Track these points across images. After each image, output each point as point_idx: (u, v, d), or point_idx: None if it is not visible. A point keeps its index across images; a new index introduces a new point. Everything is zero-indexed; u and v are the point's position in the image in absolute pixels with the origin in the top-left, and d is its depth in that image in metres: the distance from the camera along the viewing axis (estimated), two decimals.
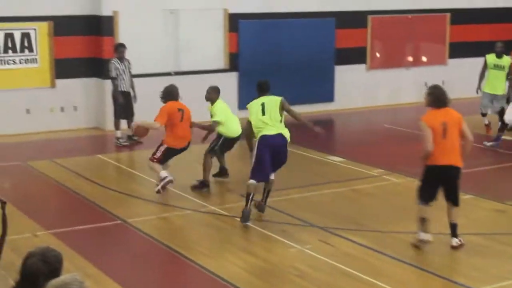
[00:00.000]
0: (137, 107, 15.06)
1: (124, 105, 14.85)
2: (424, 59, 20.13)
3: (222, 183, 12.15)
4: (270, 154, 10.11)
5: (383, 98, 19.57)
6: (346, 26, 18.76)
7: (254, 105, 10.38)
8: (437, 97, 8.93)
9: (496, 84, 15.29)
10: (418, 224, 9.10)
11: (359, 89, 19.23)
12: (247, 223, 9.98)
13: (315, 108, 18.42)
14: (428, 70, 20.16)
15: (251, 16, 17.60)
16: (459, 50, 20.24)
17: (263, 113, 10.20)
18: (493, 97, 15.39)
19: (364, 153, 14.39)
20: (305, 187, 11.97)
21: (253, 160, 10.18)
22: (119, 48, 14.92)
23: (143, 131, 11.68)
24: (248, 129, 10.42)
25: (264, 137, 10.10)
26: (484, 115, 15.82)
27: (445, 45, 20.40)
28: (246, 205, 10.03)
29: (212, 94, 11.84)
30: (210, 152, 11.86)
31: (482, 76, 15.60)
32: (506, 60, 15.34)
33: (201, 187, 11.64)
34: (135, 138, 14.93)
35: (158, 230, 9.90)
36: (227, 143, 11.98)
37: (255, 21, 17.67)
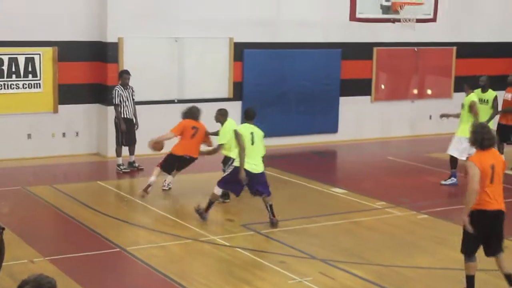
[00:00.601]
0: (139, 134, 15.07)
1: (126, 132, 14.88)
2: (429, 92, 20.14)
3: (222, 212, 12.11)
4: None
5: (387, 130, 19.58)
6: (351, 57, 18.82)
7: (244, 131, 11.30)
8: (482, 137, 8.37)
9: (482, 119, 15.14)
10: (466, 285, 8.46)
11: (363, 120, 19.25)
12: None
13: (319, 139, 18.43)
14: (433, 103, 20.17)
15: (256, 45, 17.67)
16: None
17: (252, 142, 11.25)
18: None
19: (367, 185, 14.36)
20: (306, 218, 11.90)
21: (229, 172, 11.40)
22: (123, 75, 14.98)
23: (159, 146, 13.13)
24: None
25: (247, 170, 11.22)
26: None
27: (451, 79, 20.44)
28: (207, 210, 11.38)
29: (219, 117, 12.75)
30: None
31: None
32: (490, 94, 15.19)
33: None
34: (136, 165, 14.96)
35: (156, 259, 9.85)
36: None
37: (260, 50, 17.73)
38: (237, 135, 11.30)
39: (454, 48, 20.37)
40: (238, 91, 17.52)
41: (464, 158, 13.91)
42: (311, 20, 18.20)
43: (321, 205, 12.82)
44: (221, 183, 11.46)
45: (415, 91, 20.01)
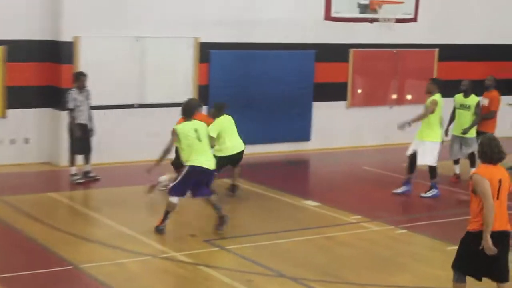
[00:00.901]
0: (95, 142, 15.01)
1: (81, 139, 14.78)
2: (409, 97, 20.29)
3: (184, 226, 12.09)
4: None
5: (364, 138, 19.69)
6: (326, 59, 18.91)
7: (186, 130, 11.56)
8: (492, 151, 8.26)
9: (464, 126, 15.31)
10: None
11: (338, 127, 19.32)
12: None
13: (290, 147, 18.50)
14: (414, 109, 20.20)
15: (223, 46, 17.69)
16: (448, 88, 20.38)
17: (199, 139, 11.58)
18: (462, 141, 15.45)
19: (341, 197, 14.42)
20: (276, 233, 11.91)
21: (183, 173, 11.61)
22: (79, 77, 14.90)
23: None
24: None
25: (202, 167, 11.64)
26: (456, 162, 15.83)
27: None
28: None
29: (215, 112, 13.66)
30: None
31: (452, 118, 15.71)
32: (472, 99, 15.37)
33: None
34: (92, 176, 14.88)
35: (112, 277, 9.80)
36: (221, 161, 13.06)
37: (228, 51, 17.74)
38: (173, 134, 11.55)
39: (436, 50, 20.55)
40: (203, 95, 17.49)
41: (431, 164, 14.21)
42: (283, 19, 18.25)
43: (292, 219, 12.85)
44: (173, 189, 11.53)
45: (394, 96, 20.15)
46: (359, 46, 19.40)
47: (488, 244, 8.02)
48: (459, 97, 15.56)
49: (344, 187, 15.50)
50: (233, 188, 14.07)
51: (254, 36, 18.02)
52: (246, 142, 17.55)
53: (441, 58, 20.60)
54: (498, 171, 8.27)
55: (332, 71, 19.16)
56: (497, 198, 8.16)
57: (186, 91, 17.30)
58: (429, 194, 14.50)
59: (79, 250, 10.87)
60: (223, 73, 17.74)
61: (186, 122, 11.69)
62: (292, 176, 16.60)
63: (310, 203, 13.85)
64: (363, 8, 18.94)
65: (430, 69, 20.50)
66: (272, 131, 18.23)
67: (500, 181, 8.20)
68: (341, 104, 19.36)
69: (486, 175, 8.14)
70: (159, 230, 11.55)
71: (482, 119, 15.53)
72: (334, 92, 19.22)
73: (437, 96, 14.33)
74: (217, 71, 17.67)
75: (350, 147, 19.35)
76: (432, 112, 14.19)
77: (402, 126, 14.29)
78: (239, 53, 17.92)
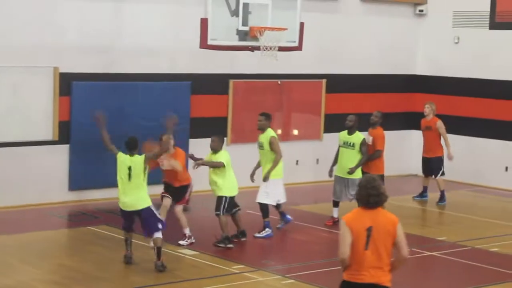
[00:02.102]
0: None
1: None
2: (295, 132, 20.34)
3: None
4: None
5: (247, 178, 19.45)
6: (203, 91, 18.86)
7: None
8: (367, 193, 8.13)
9: (348, 166, 15.44)
10: None
11: None
12: None
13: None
14: (301, 145, 20.41)
15: (87, 76, 17.41)
16: (337, 123, 20.52)
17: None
18: (346, 182, 15.53)
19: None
20: (147, 287, 11.68)
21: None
22: None
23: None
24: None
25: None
26: (336, 204, 15.88)
27: (320, 117, 20.72)
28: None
29: (217, 143, 14.46)
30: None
31: (337, 157, 15.83)
32: (357, 136, 15.57)
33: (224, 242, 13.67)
34: None
35: None
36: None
37: (92, 82, 17.48)
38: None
39: (324, 80, 20.72)
40: (64, 133, 17.10)
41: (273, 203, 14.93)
42: (155, 47, 18.17)
43: (167, 270, 12.51)
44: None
45: (279, 132, 20.11)
46: (240, 77, 19.40)
47: None
48: (343, 134, 15.70)
49: None
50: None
51: (123, 66, 17.79)
52: (114, 185, 17.11)
53: (330, 90, 20.77)
54: (371, 218, 8.11)
55: (211, 105, 19.07)
56: (366, 248, 8.02)
57: (45, 128, 16.81)
58: (263, 234, 14.85)
59: None
60: (88, 107, 17.21)
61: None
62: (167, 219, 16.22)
63: (186, 252, 13.70)
64: (243, 35, 18.80)
65: (317, 101, 20.66)
66: None
67: (369, 230, 8.03)
68: None
69: (352, 223, 8.06)
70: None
71: (367, 159, 15.65)
72: (213, 127, 19.00)
73: (272, 132, 15.01)
74: (81, 105, 17.32)
75: None
76: (278, 151, 14.97)
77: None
78: (106, 84, 17.62)
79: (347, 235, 8.00)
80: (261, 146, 15.12)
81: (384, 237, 8.05)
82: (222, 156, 14.28)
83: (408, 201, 18.72)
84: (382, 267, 8.08)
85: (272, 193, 14.97)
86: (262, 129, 15.07)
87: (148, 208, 12.57)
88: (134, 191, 12.54)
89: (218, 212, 14.04)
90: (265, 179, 14.92)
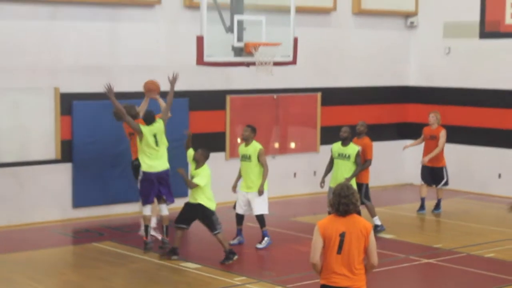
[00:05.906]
0: None
1: None
2: (292, 145, 20.48)
3: None
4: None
5: None
6: (201, 107, 19.01)
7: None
8: (338, 202, 8.34)
9: (342, 177, 15.48)
10: None
11: (217, 181, 19.18)
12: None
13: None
14: (298, 158, 20.55)
15: (88, 96, 17.54)
16: (333, 135, 20.73)
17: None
18: None
19: (222, 257, 14.29)
20: None
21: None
22: None
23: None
24: None
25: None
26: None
27: (317, 129, 20.89)
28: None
29: (201, 156, 14.57)
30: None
31: (328, 168, 15.98)
32: (351, 148, 15.68)
33: (230, 257, 13.90)
34: None
35: None
36: None
37: (93, 102, 17.58)
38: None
39: (319, 94, 20.88)
40: (67, 151, 17.21)
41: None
42: (151, 65, 18.30)
43: (170, 283, 12.71)
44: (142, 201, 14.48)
45: (276, 145, 20.31)
46: (236, 92, 19.54)
47: None
48: (337, 146, 15.77)
49: None
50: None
51: (121, 84, 17.84)
52: (117, 201, 17.42)
53: (325, 103, 20.93)
54: (344, 224, 8.32)
55: (208, 120, 19.21)
56: (339, 252, 8.26)
57: (48, 148, 16.96)
58: (264, 244, 15.06)
59: None
60: (89, 126, 17.53)
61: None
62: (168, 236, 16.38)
63: (189, 265, 13.79)
64: (238, 51, 18.99)
65: (313, 114, 20.80)
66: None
67: (342, 235, 8.26)
68: (219, 155, 19.37)
69: (325, 228, 8.31)
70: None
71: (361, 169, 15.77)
72: (212, 142, 19.18)
73: (259, 144, 15.23)
74: (82, 124, 17.46)
75: (230, 202, 19.25)
76: (265, 164, 15.07)
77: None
78: (106, 103, 17.63)
79: (318, 241, 8.28)
80: (247, 158, 15.18)
81: (357, 242, 8.28)
82: (204, 171, 14.60)
83: (403, 209, 18.82)
84: (355, 271, 8.32)
85: (264, 202, 15.16)
86: (247, 140, 15.20)
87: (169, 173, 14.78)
88: (162, 153, 14.83)
89: (216, 232, 14.08)
90: (260, 192, 15.04)
